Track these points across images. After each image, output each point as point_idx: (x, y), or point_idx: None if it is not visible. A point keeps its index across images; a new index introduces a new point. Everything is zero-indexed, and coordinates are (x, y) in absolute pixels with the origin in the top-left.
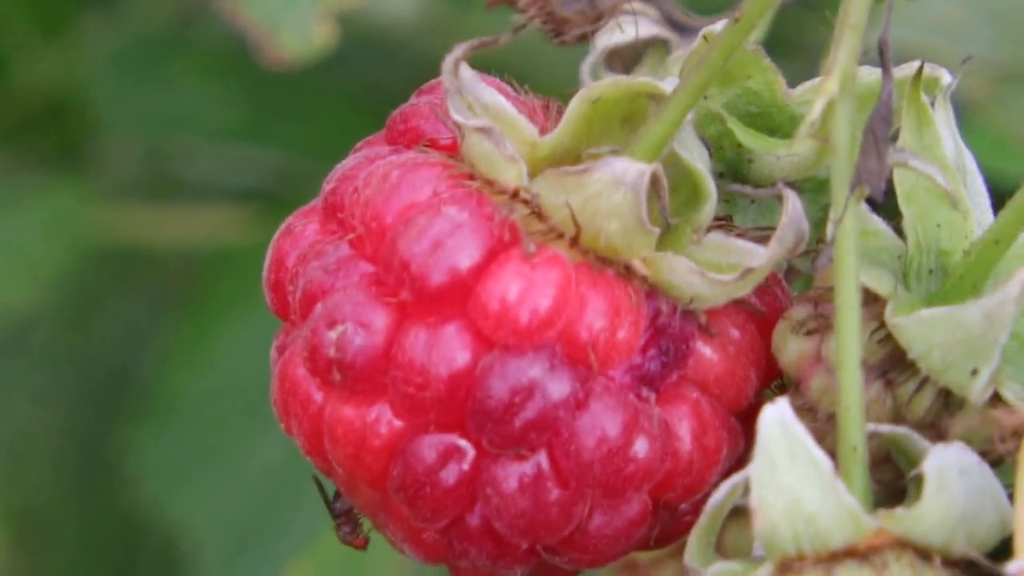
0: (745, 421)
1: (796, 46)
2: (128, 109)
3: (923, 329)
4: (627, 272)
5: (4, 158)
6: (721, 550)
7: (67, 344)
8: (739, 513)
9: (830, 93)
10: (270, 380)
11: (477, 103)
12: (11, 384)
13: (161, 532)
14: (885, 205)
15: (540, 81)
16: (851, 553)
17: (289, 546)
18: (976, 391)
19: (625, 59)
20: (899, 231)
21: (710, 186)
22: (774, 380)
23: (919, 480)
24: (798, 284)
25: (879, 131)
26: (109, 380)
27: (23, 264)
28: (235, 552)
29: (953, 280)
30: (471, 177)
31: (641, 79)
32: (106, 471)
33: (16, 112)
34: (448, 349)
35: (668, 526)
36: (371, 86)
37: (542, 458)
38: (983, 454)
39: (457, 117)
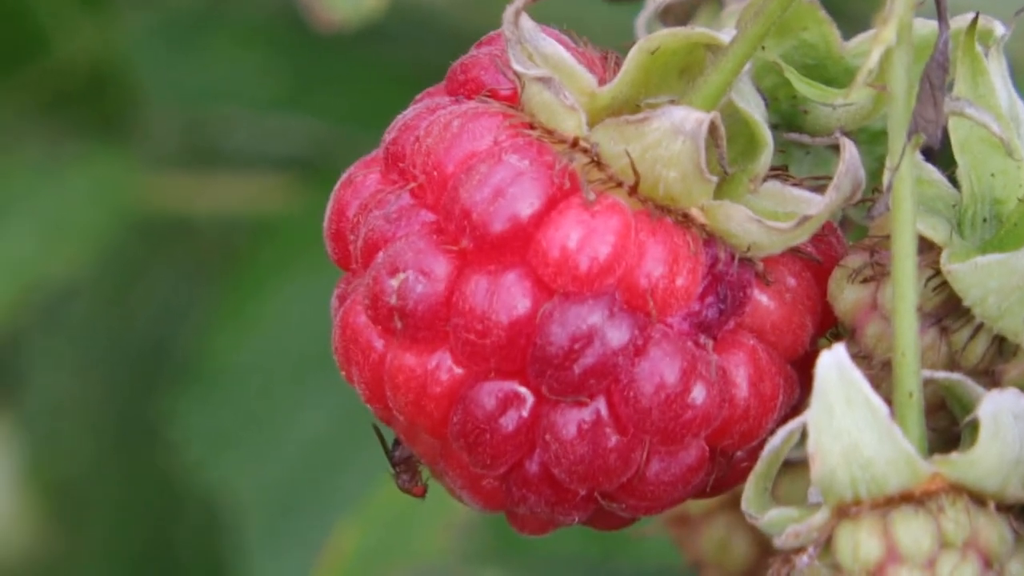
0: (800, 369)
1: (842, 14)
2: (168, 81)
3: (978, 276)
4: (685, 220)
5: (46, 130)
6: (777, 501)
7: (107, 315)
8: (791, 466)
9: (887, 41)
10: (314, 345)
11: (537, 53)
12: (50, 356)
13: (201, 502)
14: (939, 155)
15: (593, 38)
16: (907, 498)
17: (333, 511)
18: None
19: (678, 15)
20: (953, 180)
21: (767, 135)
22: (829, 328)
23: (973, 426)
24: (854, 235)
25: (935, 79)
26: (149, 351)
27: (65, 234)
28: (279, 517)
29: (1007, 228)
30: (531, 127)
31: (699, 29)
32: (146, 442)
33: (58, 85)
34: (508, 296)
35: (724, 473)
36: (411, 58)
37: (601, 405)
38: None
39: (517, 67)
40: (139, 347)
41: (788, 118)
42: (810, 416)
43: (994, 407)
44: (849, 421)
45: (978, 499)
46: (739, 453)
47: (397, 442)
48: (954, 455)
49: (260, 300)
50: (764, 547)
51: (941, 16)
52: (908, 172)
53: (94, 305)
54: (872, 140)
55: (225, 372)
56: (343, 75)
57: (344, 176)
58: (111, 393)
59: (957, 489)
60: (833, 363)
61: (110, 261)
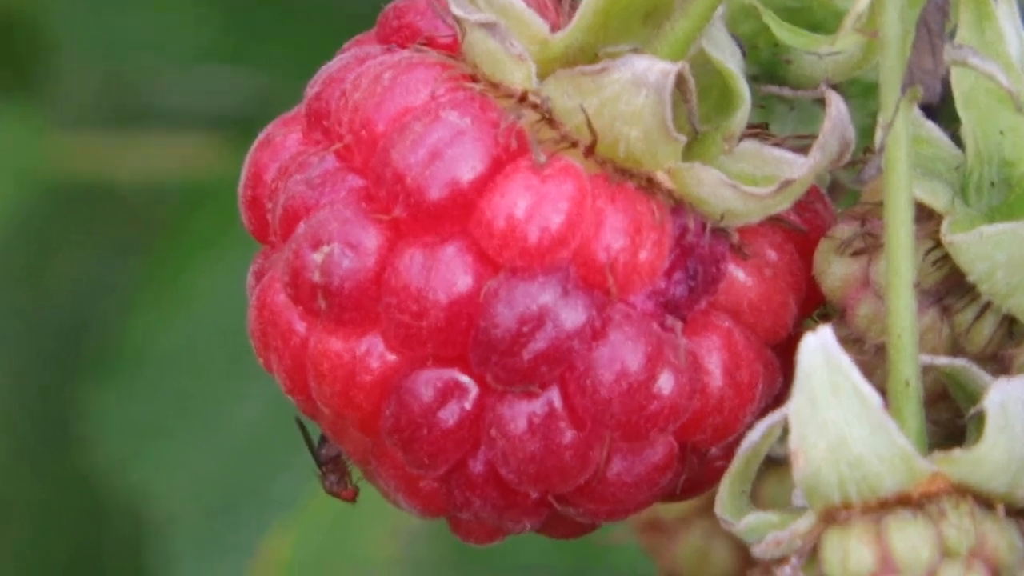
0: (783, 354)
1: None
2: (85, 28)
3: (984, 247)
4: (650, 185)
5: None
6: (759, 505)
7: (16, 294)
8: (777, 465)
9: None
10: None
11: None
12: None
13: (126, 501)
14: (942, 111)
15: None
16: (903, 501)
17: (270, 514)
18: None
19: None
20: (957, 139)
21: (743, 88)
22: (816, 308)
23: (980, 418)
24: (843, 202)
25: (933, 24)
26: (65, 335)
27: None
28: (209, 521)
29: (1018, 193)
30: (473, 79)
31: None
32: (64, 436)
33: None
34: (448, 272)
35: (696, 473)
36: (355, 5)
37: (554, 395)
38: None
39: (457, 11)
40: (54, 331)
41: (769, 68)
42: (792, 408)
43: (1003, 396)
44: (836, 413)
45: (984, 502)
46: (713, 450)
47: (324, 439)
48: (957, 451)
49: (190, 275)
50: (746, 556)
51: None
52: (903, 130)
53: (2, 282)
54: (864, 93)
55: (149, 358)
56: (283, 22)
57: (261, 136)
58: (23, 383)
59: (960, 490)
60: (818, 347)
61: (19, 233)
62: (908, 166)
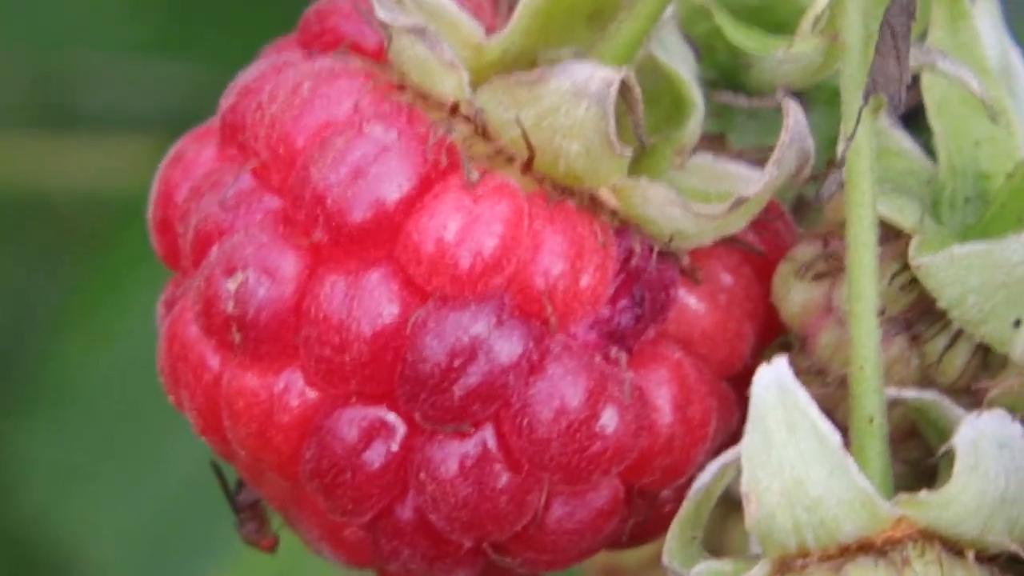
0: (740, 387)
1: None
2: (10, 21)
3: (956, 270)
4: (592, 204)
5: None
6: (725, 550)
7: None
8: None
9: None
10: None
11: None
12: None
13: (52, 551)
14: (915, 119)
15: None
16: (865, 547)
17: (207, 562)
18: (1020, 346)
19: None
20: (930, 150)
21: (695, 96)
22: (776, 337)
23: (950, 457)
24: (810, 220)
25: (898, 26)
26: None
27: None
28: (142, 570)
29: (994, 209)
30: (401, 89)
31: None
32: None
33: None
34: (372, 301)
35: (645, 518)
36: None
37: (488, 435)
38: None
39: (383, 14)
40: None
41: (727, 73)
42: (744, 447)
43: (974, 433)
44: (792, 452)
45: (954, 548)
46: (664, 492)
47: (241, 483)
48: (923, 494)
49: (124, 297)
50: None
51: None
52: (866, 141)
53: None
54: (832, 100)
55: (77, 390)
56: (228, 11)
57: (172, 151)
58: None
59: (927, 536)
60: (772, 380)
61: None
62: (871, 181)
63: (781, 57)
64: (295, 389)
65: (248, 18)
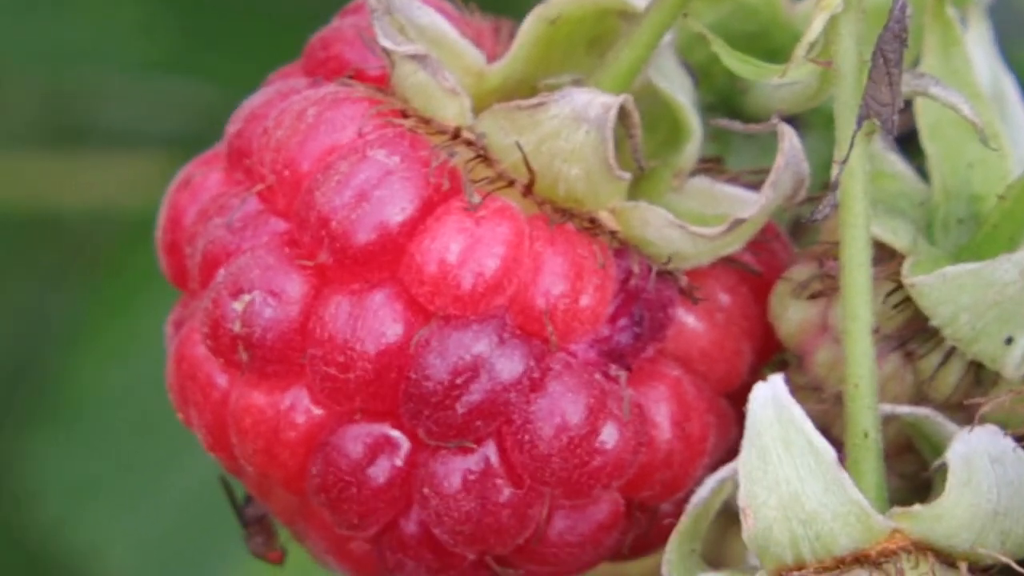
0: (737, 404)
1: None
2: (22, 40)
3: (948, 290)
4: (592, 226)
5: None
6: (724, 562)
7: None
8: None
9: (832, 7)
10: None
11: (411, 25)
12: None
13: (67, 563)
14: (908, 142)
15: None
16: (860, 559)
17: (222, 570)
18: (1012, 363)
19: None
20: (923, 173)
21: (693, 121)
22: (773, 354)
23: (944, 471)
24: (807, 240)
25: (891, 53)
26: (1, 378)
27: None
28: None
29: (986, 231)
30: (404, 114)
31: None
32: None
33: None
34: (376, 321)
35: (646, 531)
36: (321, 10)
37: (490, 451)
38: (1020, 439)
39: (386, 42)
40: None
41: (726, 98)
42: (741, 463)
43: (967, 448)
44: (788, 468)
45: (947, 560)
46: (664, 506)
47: (249, 498)
48: (917, 507)
49: (137, 311)
50: None
51: None
52: (860, 165)
53: None
54: (828, 124)
55: (91, 406)
56: (239, 31)
57: (179, 176)
58: None
59: (921, 548)
60: (769, 397)
61: None
62: (865, 203)
63: (777, 83)
64: (301, 407)
65: (258, 39)
